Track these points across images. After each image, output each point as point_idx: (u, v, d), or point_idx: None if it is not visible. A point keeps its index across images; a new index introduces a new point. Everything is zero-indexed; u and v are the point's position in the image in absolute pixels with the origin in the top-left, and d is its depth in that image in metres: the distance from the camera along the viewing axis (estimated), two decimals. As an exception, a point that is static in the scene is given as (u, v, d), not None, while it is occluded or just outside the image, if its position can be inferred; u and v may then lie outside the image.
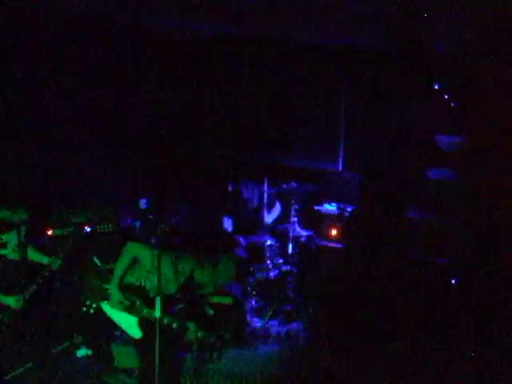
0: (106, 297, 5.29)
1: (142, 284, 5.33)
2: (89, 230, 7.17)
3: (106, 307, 5.32)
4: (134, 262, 5.32)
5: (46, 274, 5.85)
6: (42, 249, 6.13)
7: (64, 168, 7.98)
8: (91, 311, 5.37)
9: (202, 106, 9.21)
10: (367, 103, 8.22)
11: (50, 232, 6.82)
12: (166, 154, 9.32)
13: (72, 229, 6.95)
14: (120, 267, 5.27)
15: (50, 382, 6.26)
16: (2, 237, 5.69)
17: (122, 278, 5.29)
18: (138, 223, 7.62)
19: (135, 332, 5.29)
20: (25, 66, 7.22)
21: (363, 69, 8.07)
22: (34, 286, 5.79)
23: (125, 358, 6.60)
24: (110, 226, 7.32)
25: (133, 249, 5.31)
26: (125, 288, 5.28)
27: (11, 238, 5.74)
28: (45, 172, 7.71)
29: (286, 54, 8.37)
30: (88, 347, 6.91)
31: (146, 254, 5.26)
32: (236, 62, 8.58)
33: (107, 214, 7.42)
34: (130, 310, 5.24)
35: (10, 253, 5.75)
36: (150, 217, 7.93)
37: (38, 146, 7.70)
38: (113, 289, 5.25)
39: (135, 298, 5.24)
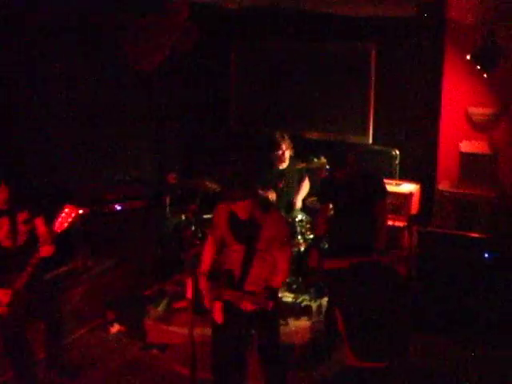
0: None
1: None
2: (119, 207, 7.22)
3: None
4: None
5: (35, 262, 5.46)
6: None
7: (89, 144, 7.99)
8: None
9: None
10: (396, 76, 8.10)
11: (81, 211, 6.82)
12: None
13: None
14: None
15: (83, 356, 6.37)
16: None
17: None
18: (167, 199, 7.55)
19: None
20: None
21: (393, 41, 7.93)
22: (25, 276, 5.45)
23: (157, 333, 6.67)
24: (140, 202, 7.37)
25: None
26: None
27: (1, 225, 5.50)
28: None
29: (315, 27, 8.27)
30: (120, 323, 6.98)
31: None
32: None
33: (137, 191, 7.45)
34: None
35: (2, 240, 5.52)
36: (179, 191, 7.93)
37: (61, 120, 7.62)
38: None
39: None
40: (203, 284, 5.25)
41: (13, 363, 5.76)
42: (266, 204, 5.37)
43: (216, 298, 5.12)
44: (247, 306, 5.07)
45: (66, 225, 5.48)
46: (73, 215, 5.50)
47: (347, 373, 5.17)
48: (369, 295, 5.24)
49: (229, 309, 5.17)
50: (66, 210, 5.48)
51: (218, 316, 5.18)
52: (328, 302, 6.67)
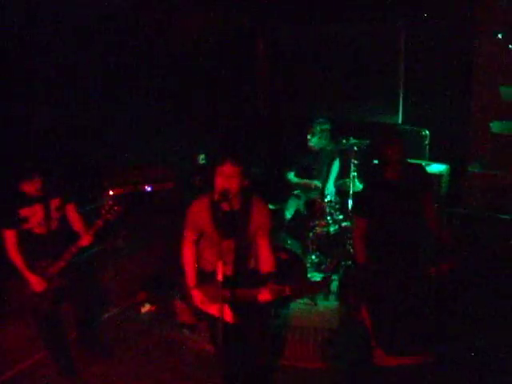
0: None
1: None
2: (149, 188, 7.28)
3: None
4: None
5: (75, 251, 5.60)
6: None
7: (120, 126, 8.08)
8: None
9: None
10: (427, 53, 8.00)
11: (111, 192, 6.90)
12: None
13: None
14: None
15: (114, 336, 6.46)
16: (22, 211, 5.47)
17: None
18: (197, 180, 7.57)
19: None
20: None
21: (422, 19, 7.83)
22: (62, 263, 5.59)
23: (188, 314, 6.74)
24: (170, 183, 7.42)
25: None
26: None
27: (35, 212, 5.55)
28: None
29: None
30: (151, 303, 7.06)
31: None
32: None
33: (166, 172, 7.49)
34: None
35: (36, 227, 5.59)
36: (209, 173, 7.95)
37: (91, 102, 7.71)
38: None
39: None
40: (199, 297, 5.13)
41: (46, 344, 5.89)
42: (247, 192, 5.08)
43: (223, 301, 4.79)
44: (266, 297, 4.95)
45: (109, 216, 5.56)
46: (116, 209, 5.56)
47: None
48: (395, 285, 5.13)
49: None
50: (110, 202, 5.57)
51: (230, 317, 5.05)
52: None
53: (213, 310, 5.06)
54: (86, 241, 5.60)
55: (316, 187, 7.60)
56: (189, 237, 5.22)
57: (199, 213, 5.07)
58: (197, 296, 5.15)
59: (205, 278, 5.17)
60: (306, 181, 7.71)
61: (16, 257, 5.52)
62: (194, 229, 5.17)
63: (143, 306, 7.03)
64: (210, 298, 5.07)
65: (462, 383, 5.41)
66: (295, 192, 7.82)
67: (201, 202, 5.09)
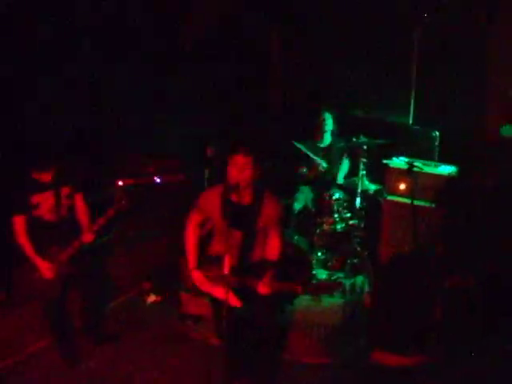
0: None
1: None
2: (158, 180, 7.32)
3: None
4: None
5: (77, 246, 5.70)
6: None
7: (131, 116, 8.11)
8: None
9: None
10: (440, 54, 7.99)
11: (121, 183, 6.94)
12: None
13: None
14: None
15: (120, 325, 6.53)
16: (33, 197, 5.56)
17: None
18: (206, 172, 7.59)
19: None
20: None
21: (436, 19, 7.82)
22: (67, 255, 5.66)
23: (193, 305, 6.77)
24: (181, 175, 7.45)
25: None
26: None
27: (46, 198, 5.63)
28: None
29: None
30: (157, 293, 7.10)
31: None
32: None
33: (177, 164, 7.52)
34: None
35: (46, 214, 5.67)
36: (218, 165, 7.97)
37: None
38: None
39: None
40: (199, 278, 5.26)
41: (51, 330, 5.96)
42: (260, 186, 5.23)
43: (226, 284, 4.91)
44: (265, 290, 5.08)
45: (118, 207, 5.67)
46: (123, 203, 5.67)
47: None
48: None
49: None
50: (119, 193, 5.66)
51: (236, 301, 5.11)
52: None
53: (214, 291, 5.18)
54: (87, 238, 5.70)
55: (322, 168, 7.60)
56: (194, 218, 5.39)
57: (211, 200, 5.22)
58: (197, 277, 5.27)
59: (211, 262, 5.29)
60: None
61: (25, 243, 5.59)
62: (201, 213, 5.34)
63: (149, 296, 7.09)
64: (213, 278, 5.18)
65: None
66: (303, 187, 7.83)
67: (214, 191, 5.25)
